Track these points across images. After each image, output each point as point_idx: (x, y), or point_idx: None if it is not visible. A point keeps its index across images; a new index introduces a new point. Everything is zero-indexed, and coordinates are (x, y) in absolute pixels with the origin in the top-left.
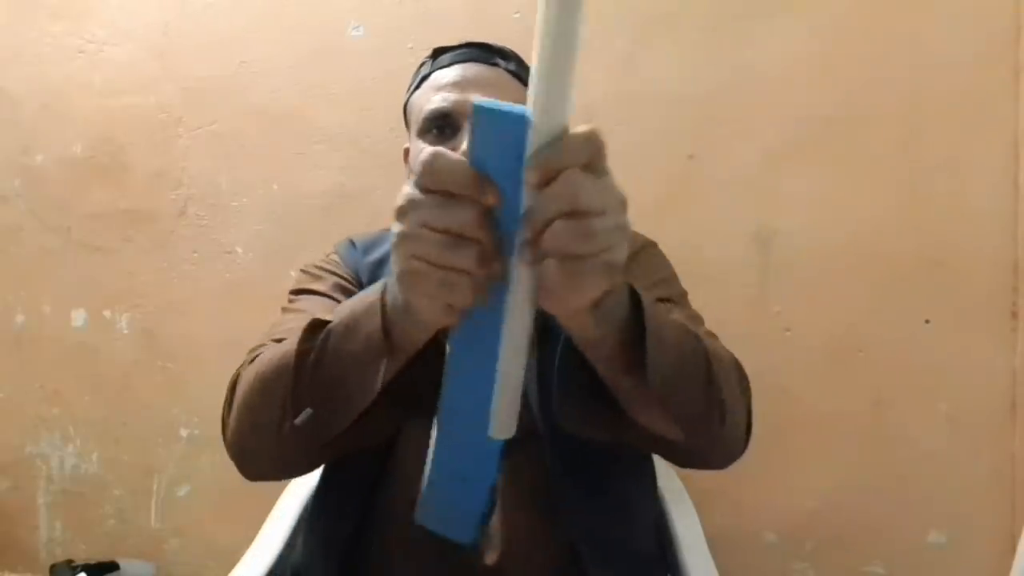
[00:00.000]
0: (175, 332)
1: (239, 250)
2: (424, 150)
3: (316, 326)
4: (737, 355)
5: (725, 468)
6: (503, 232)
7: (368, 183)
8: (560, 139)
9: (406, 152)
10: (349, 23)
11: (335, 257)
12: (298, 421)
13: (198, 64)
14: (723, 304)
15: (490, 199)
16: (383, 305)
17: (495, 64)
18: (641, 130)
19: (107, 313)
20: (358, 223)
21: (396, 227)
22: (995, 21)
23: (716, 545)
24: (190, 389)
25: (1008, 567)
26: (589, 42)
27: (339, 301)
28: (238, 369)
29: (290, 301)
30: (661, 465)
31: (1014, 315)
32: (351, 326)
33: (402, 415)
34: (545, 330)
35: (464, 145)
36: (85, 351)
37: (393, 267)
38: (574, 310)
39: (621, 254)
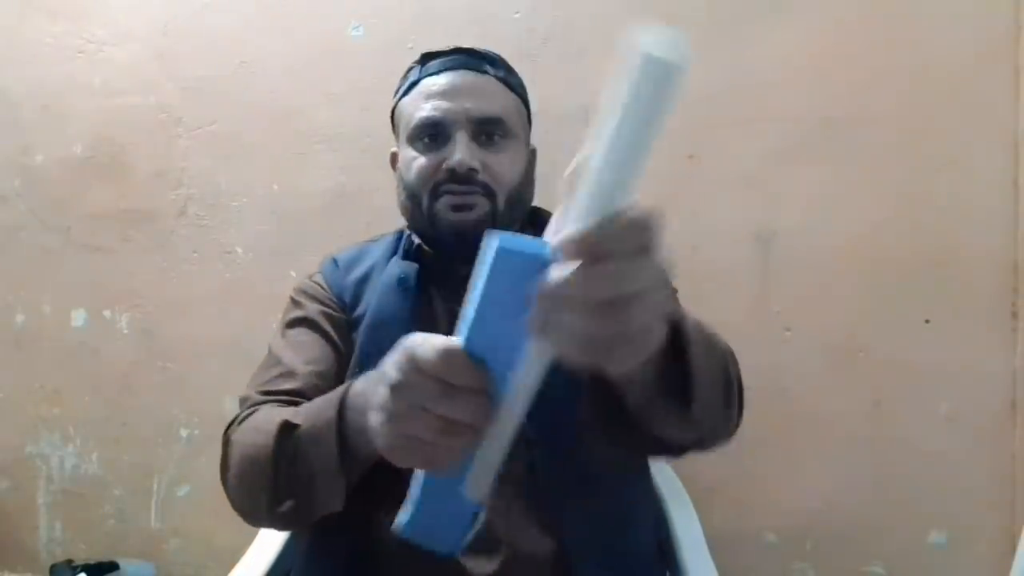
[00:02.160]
0: (175, 332)
1: (239, 250)
2: (441, 346)
3: (288, 427)
4: (737, 355)
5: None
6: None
7: (368, 183)
8: (613, 221)
9: (393, 156)
10: (349, 23)
11: (319, 279)
12: (281, 510)
13: (198, 64)
14: (723, 304)
15: (494, 388)
16: (339, 431)
17: (484, 71)
18: None
19: (107, 313)
20: (358, 223)
21: (388, 401)
22: (995, 21)
23: (716, 545)
24: (190, 389)
25: (1008, 567)
26: (589, 42)
27: (325, 330)
28: (230, 427)
29: (285, 334)
30: (662, 465)
31: (1014, 315)
32: (315, 438)
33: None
34: None
35: (452, 153)
36: (85, 351)
37: (379, 436)
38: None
39: (659, 334)
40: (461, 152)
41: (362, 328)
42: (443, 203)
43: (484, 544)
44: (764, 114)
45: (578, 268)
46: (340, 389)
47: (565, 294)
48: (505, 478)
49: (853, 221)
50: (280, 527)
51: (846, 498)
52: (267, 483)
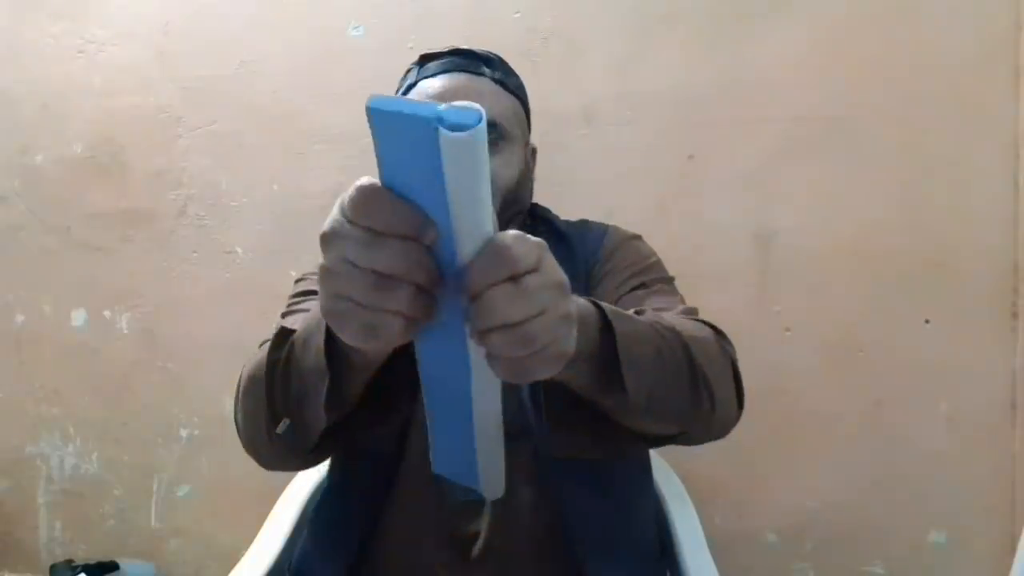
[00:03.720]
0: (175, 332)
1: (239, 250)
2: (360, 183)
3: (284, 334)
4: (737, 355)
5: (724, 437)
6: (437, 252)
7: None
8: (480, 255)
9: None
10: (349, 23)
11: None
12: (278, 431)
13: (198, 64)
14: (723, 304)
15: (429, 237)
16: (328, 326)
17: (480, 73)
18: (641, 130)
19: (107, 313)
20: None
21: (322, 258)
22: (995, 21)
23: (716, 545)
24: (190, 389)
25: (1008, 567)
26: (589, 42)
27: None
28: (245, 363)
29: (289, 305)
30: (662, 465)
31: (1014, 315)
32: (306, 340)
33: (395, 413)
34: None
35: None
36: (85, 351)
37: (319, 300)
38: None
39: (567, 342)
40: None
41: None
42: None
43: (489, 529)
44: (764, 114)
45: (470, 306)
46: None
47: (471, 324)
48: (511, 465)
49: (853, 221)
50: (284, 460)
51: (846, 498)
52: (263, 402)
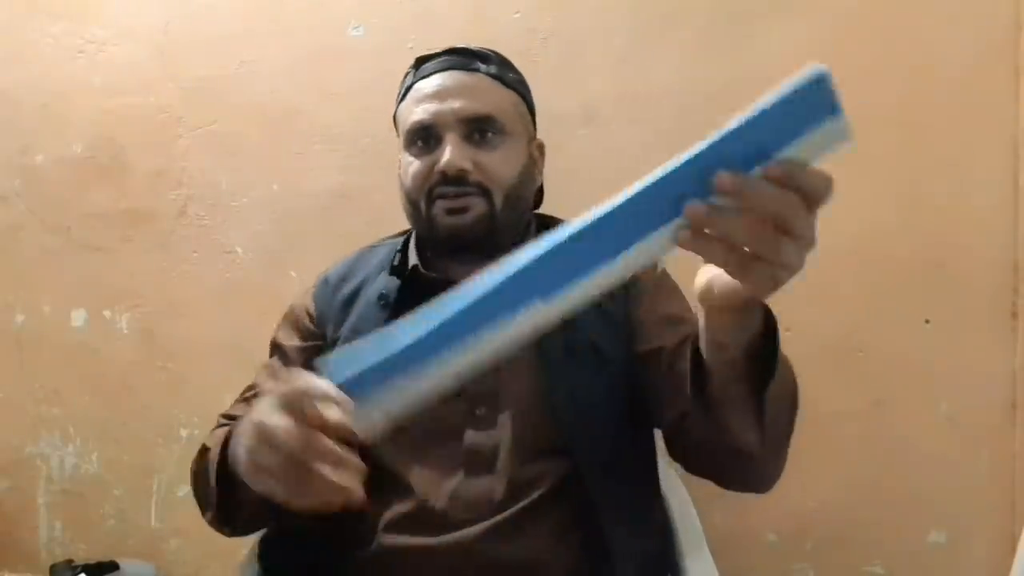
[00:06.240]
0: (175, 332)
1: (239, 250)
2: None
3: (203, 450)
4: None
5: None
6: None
7: (368, 183)
8: (806, 165)
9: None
10: (349, 23)
11: (309, 300)
12: (207, 519)
13: (198, 64)
14: None
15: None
16: (221, 459)
17: (474, 69)
18: (641, 130)
19: (107, 313)
20: (358, 223)
21: (254, 451)
22: (995, 21)
23: (716, 545)
24: (190, 389)
25: (1008, 567)
26: (589, 42)
27: (303, 362)
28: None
29: (269, 352)
30: (661, 466)
31: (1014, 315)
32: (212, 461)
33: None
34: (570, 350)
35: None
36: (85, 351)
37: (249, 479)
38: (731, 302)
39: (787, 280)
40: (450, 153)
41: (338, 346)
42: (439, 207)
43: (515, 544)
44: None
45: (767, 180)
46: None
47: (748, 192)
48: (540, 483)
49: (853, 221)
50: (220, 531)
51: (846, 498)
52: (194, 496)
